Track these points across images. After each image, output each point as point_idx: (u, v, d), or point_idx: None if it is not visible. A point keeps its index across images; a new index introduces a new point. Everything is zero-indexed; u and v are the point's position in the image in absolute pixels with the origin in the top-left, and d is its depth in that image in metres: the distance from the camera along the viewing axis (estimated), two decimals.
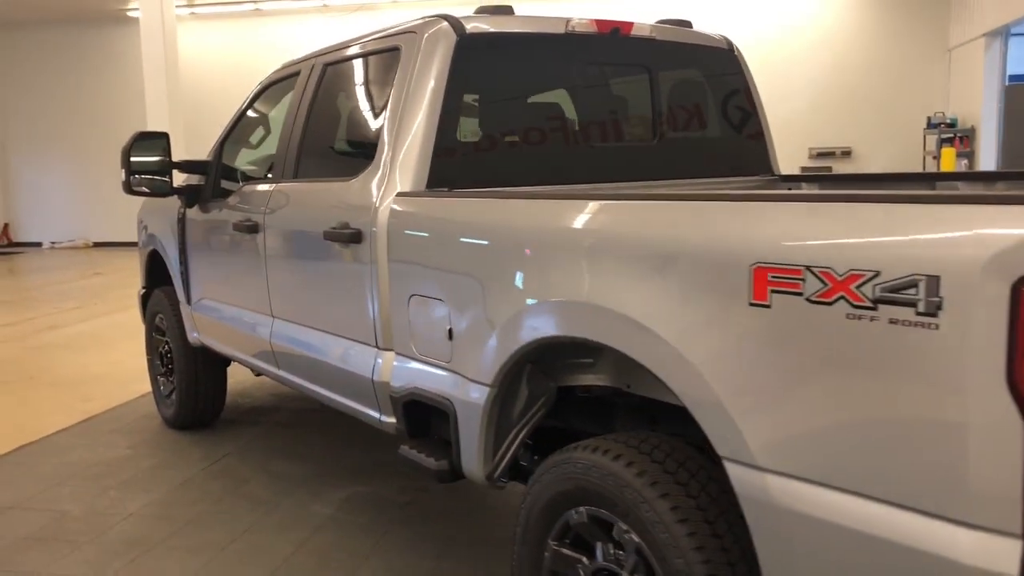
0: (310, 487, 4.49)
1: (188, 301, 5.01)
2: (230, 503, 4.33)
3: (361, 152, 3.49)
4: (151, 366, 5.80)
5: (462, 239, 2.72)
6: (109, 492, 4.52)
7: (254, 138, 4.77)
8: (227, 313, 4.50)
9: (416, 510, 4.19)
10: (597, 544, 2.31)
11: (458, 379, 2.76)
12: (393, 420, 3.19)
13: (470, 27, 3.21)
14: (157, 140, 4.62)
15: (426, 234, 2.91)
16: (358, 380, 3.31)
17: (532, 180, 3.29)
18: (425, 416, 3.07)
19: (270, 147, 4.82)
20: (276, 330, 3.96)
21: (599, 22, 3.45)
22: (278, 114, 4.57)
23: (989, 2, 12.36)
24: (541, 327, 2.38)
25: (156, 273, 5.62)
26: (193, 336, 5.03)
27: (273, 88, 4.47)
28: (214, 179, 4.68)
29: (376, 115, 3.50)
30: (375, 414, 3.28)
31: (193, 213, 4.80)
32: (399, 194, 3.08)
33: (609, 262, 2.16)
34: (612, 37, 3.51)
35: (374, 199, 3.16)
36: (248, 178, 4.54)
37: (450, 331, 2.78)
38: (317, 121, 3.89)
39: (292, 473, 4.71)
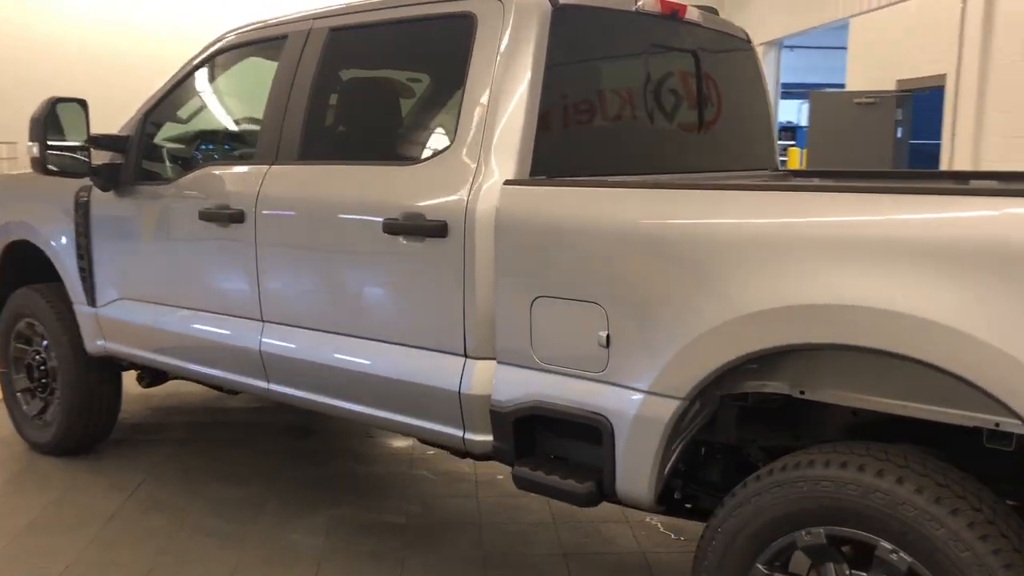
0: (272, 513, 3.92)
1: (92, 302, 4.19)
2: (186, 541, 3.67)
3: (423, 133, 3.05)
4: (5, 381, 4.83)
5: (638, 238, 2.41)
6: (23, 540, 3.68)
7: (201, 113, 4.06)
8: (169, 317, 3.80)
9: (420, 530, 3.78)
10: (828, 565, 2.16)
11: (620, 392, 2.46)
12: (488, 438, 2.81)
13: None
14: (74, 108, 3.81)
15: (567, 229, 2.55)
16: (432, 394, 2.88)
17: (619, 168, 3.03)
18: (533, 433, 2.74)
19: (224, 124, 4.18)
20: (269, 337, 3.38)
21: (662, 2, 3.25)
22: (240, 85, 3.94)
23: (764, 17, 13.39)
24: (778, 333, 2.16)
25: (16, 269, 4.68)
26: (97, 344, 4.23)
27: (229, 55, 3.83)
28: (136, 158, 3.94)
29: (444, 91, 3.08)
30: (455, 432, 2.88)
31: (105, 198, 4.02)
32: (508, 182, 2.71)
33: (905, 262, 1.98)
34: (671, 19, 3.32)
35: (465, 187, 2.76)
36: (206, 159, 3.86)
37: (607, 338, 2.47)
38: (332, 95, 3.36)
39: (236, 497, 4.10)
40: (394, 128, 3.37)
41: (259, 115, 3.58)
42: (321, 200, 3.17)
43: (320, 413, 3.50)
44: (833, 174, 4.40)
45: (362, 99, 3.42)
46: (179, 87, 3.94)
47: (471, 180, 2.76)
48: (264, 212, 3.33)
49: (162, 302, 3.85)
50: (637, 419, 2.42)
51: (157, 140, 4.04)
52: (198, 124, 4.11)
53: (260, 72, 3.94)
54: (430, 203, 2.84)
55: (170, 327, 3.80)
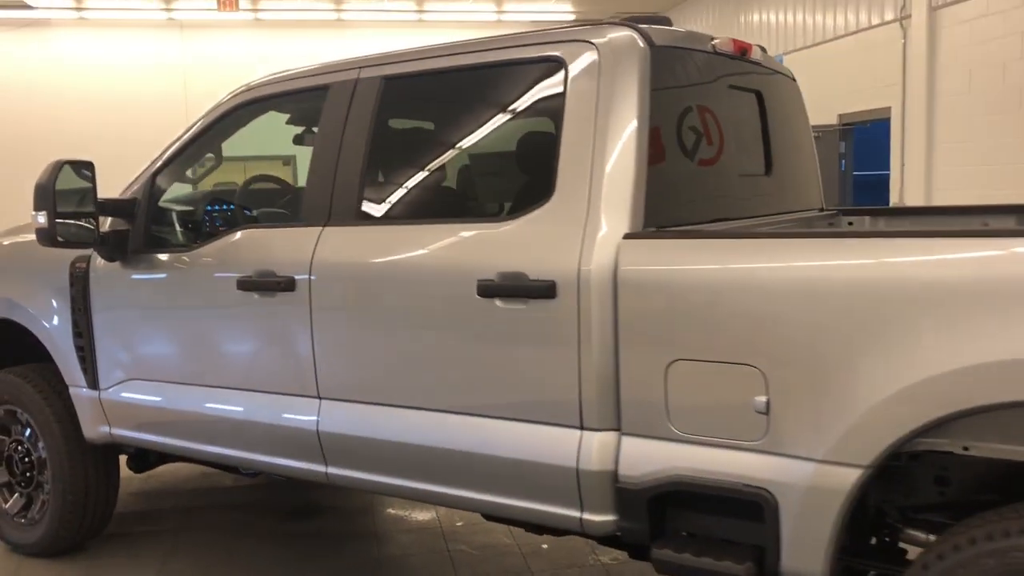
0: None
1: (93, 385, 3.77)
2: None
3: (510, 186, 2.81)
4: None
5: (810, 292, 2.20)
6: None
7: (220, 173, 3.72)
8: (195, 397, 3.43)
9: None
10: None
11: (785, 462, 2.25)
12: (609, 518, 2.55)
13: (657, 37, 2.70)
14: (82, 171, 3.43)
15: (712, 286, 2.34)
16: (543, 472, 2.62)
17: (713, 215, 2.86)
18: (664, 510, 2.50)
19: (250, 184, 3.85)
20: (329, 415, 3.06)
21: (735, 41, 3.11)
22: (265, 141, 3.63)
23: None
24: (993, 388, 1.98)
25: None
26: (99, 431, 3.79)
27: (250, 109, 3.51)
28: (145, 224, 3.58)
29: (531, 140, 2.84)
30: (570, 513, 2.61)
31: (109, 269, 3.63)
32: (630, 236, 2.49)
33: None
34: (741, 58, 3.18)
35: (574, 243, 2.53)
36: (234, 222, 3.52)
37: (766, 403, 2.26)
38: (394, 149, 3.09)
39: None
40: (475, 183, 3.12)
41: (290, 174, 3.27)
42: (396, 264, 2.88)
43: (333, 489, 3.16)
44: (896, 212, 4.25)
45: (433, 152, 3.15)
46: (192, 145, 3.60)
47: (581, 235, 2.53)
48: (321, 279, 3.02)
49: (186, 381, 3.47)
50: (810, 491, 2.21)
51: (169, 203, 3.69)
52: (218, 185, 3.76)
53: (287, 127, 3.66)
54: (533, 262, 2.60)
55: (197, 408, 3.42)
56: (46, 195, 3.27)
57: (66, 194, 3.38)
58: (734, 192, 3.15)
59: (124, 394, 3.69)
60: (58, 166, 3.31)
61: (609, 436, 2.53)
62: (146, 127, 14.49)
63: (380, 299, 2.91)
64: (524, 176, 2.88)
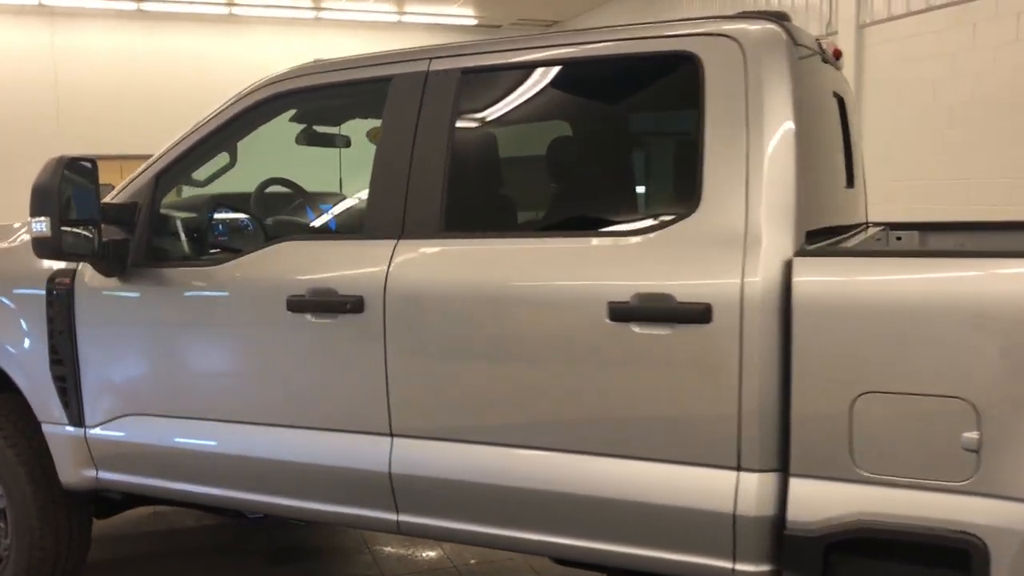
0: None
1: (77, 421, 3.21)
2: None
3: (639, 196, 2.50)
4: None
5: None
6: None
7: (244, 175, 3.23)
8: (222, 436, 2.94)
9: None
10: None
11: (1001, 505, 2.03)
12: (767, 568, 2.28)
13: (793, 32, 2.46)
14: (82, 169, 2.89)
15: (914, 311, 2.08)
16: (687, 518, 2.32)
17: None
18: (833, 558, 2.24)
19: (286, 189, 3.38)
20: (405, 456, 2.66)
21: (832, 45, 2.92)
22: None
23: None
24: None
25: None
26: (83, 475, 3.23)
27: (283, 102, 3.07)
28: (148, 233, 3.07)
29: (660, 145, 2.54)
30: (721, 564, 2.32)
31: (101, 285, 3.10)
32: (806, 254, 2.23)
33: None
34: (835, 62, 2.99)
35: (731, 260, 2.25)
36: (268, 233, 3.05)
37: (978, 440, 2.04)
38: (483, 152, 2.72)
39: None
40: (596, 192, 2.77)
41: (335, 177, 2.86)
42: (502, 283, 2.51)
43: (319, 526, 2.78)
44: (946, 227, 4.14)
45: (532, 157, 2.80)
46: (206, 143, 3.11)
47: (741, 250, 2.25)
48: (400, 299, 2.62)
49: (209, 417, 2.98)
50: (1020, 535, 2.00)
51: (178, 209, 3.18)
52: (241, 188, 3.27)
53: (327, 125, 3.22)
54: (681, 281, 2.30)
55: (225, 449, 2.94)
56: (49, 198, 2.73)
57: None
58: (836, 203, 2.95)
59: (119, 432, 3.15)
60: (62, 164, 2.77)
61: (771, 478, 2.26)
62: (12, 117, 13.39)
63: (481, 324, 2.54)
64: (654, 184, 2.58)
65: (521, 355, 2.50)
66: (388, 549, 4.23)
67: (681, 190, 2.39)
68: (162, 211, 3.17)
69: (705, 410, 2.29)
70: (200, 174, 3.28)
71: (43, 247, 2.78)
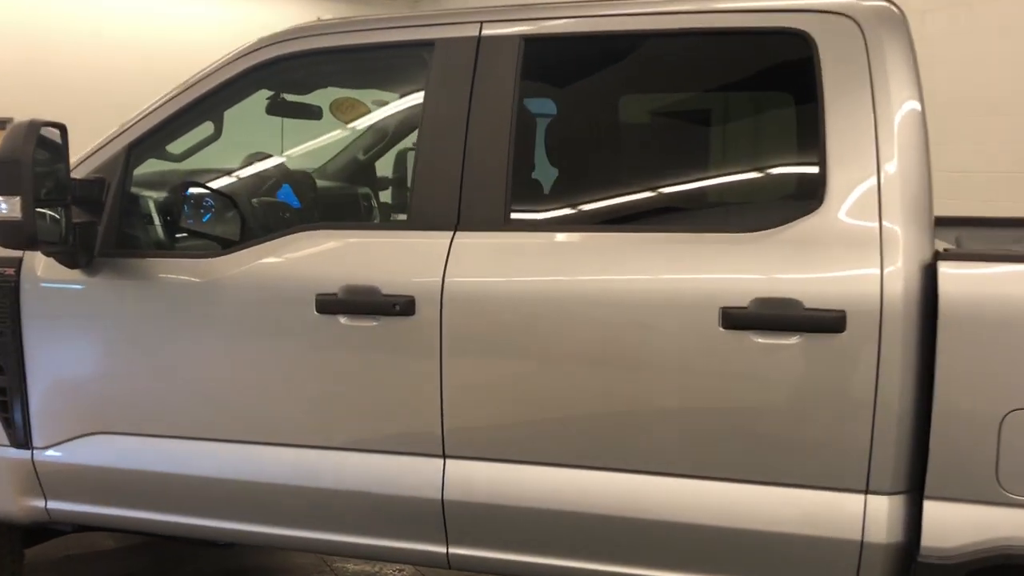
0: None
1: (22, 442, 2.66)
2: None
3: (746, 188, 2.24)
4: None
5: None
6: None
7: (239, 149, 2.73)
8: (220, 458, 2.50)
9: None
10: None
11: None
12: None
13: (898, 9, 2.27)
14: (54, 140, 2.36)
15: None
16: (807, 546, 2.10)
17: None
18: None
19: (296, 167, 2.92)
20: (464, 481, 2.31)
21: None
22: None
23: None
24: None
25: None
26: (27, 506, 2.69)
27: (281, 67, 2.61)
28: (119, 214, 2.57)
29: (766, 132, 2.29)
30: None
31: (58, 278, 2.57)
32: (954, 256, 2.04)
33: None
34: None
35: (866, 262, 2.04)
36: (278, 220, 2.60)
37: None
38: (556, 134, 2.39)
39: None
40: (695, 182, 2.46)
41: (358, 154, 2.48)
42: (584, 286, 2.20)
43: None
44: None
45: (613, 140, 2.48)
46: (193, 110, 2.62)
47: (876, 253, 2.04)
48: (459, 301, 2.26)
49: (203, 436, 2.52)
50: None
51: (158, 189, 2.68)
52: (234, 165, 2.79)
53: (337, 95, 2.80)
54: (808, 287, 2.06)
55: (228, 474, 2.49)
56: (20, 172, 2.20)
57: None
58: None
59: (78, 455, 2.63)
60: (35, 129, 2.24)
61: (902, 500, 2.08)
62: None
63: (559, 331, 2.21)
64: (768, 175, 2.33)
65: (610, 367, 2.20)
66: (351, 566, 3.83)
67: (802, 183, 2.16)
68: (134, 190, 2.66)
69: (834, 428, 2.07)
70: (177, 147, 2.78)
71: (11, 234, 2.24)
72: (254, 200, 2.89)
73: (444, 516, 2.33)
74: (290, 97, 3.26)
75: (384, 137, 3.57)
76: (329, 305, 2.33)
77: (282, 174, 3.17)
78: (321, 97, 3.37)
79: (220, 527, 2.54)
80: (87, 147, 2.60)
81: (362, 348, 2.34)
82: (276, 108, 3.20)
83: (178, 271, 2.51)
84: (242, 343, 2.45)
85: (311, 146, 3.66)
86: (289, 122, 3.53)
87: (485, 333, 2.26)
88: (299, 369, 2.40)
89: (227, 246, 2.51)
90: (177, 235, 2.70)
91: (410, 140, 3.80)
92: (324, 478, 2.41)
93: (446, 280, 2.27)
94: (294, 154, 3.49)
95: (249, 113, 2.89)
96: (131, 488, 2.60)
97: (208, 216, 2.62)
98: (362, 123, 3.54)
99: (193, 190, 2.61)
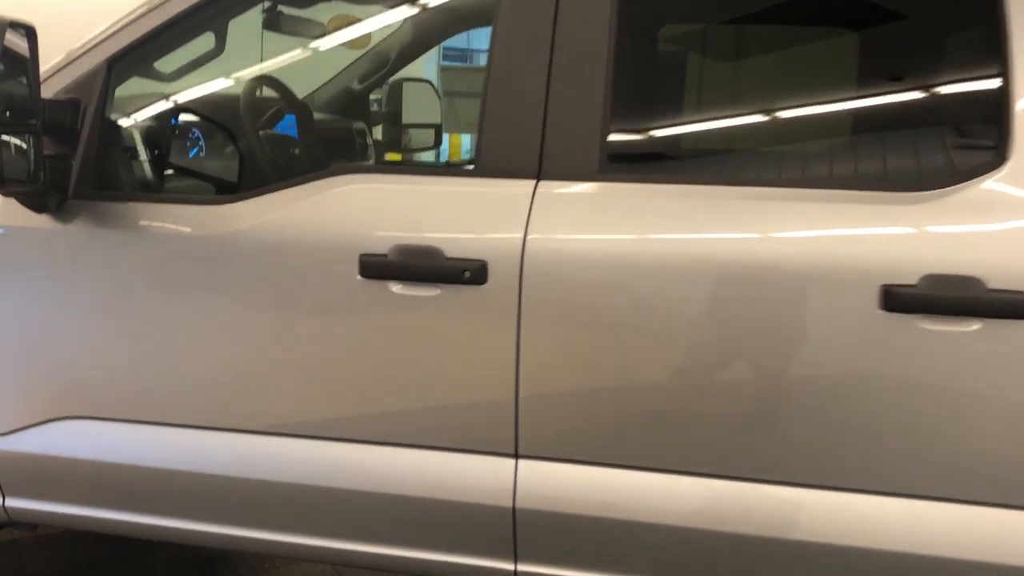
0: None
1: None
2: None
3: (891, 137, 1.83)
4: None
5: None
6: None
7: (250, 70, 2.21)
8: (220, 449, 2.03)
9: None
10: None
11: None
12: None
13: None
14: (16, 44, 1.81)
15: None
16: None
17: None
18: None
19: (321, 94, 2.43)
20: (540, 485, 1.90)
21: None
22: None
23: None
24: None
25: None
26: None
27: None
28: (98, 148, 2.05)
29: (941, 70, 1.86)
30: None
31: (27, 223, 2.05)
32: None
33: None
34: None
35: None
36: (306, 161, 2.10)
37: None
38: (660, 65, 1.94)
39: None
40: (842, 127, 2.02)
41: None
42: (704, 252, 1.77)
43: None
44: None
45: (734, 74, 2.02)
46: (192, 19, 2.08)
47: None
48: (545, 267, 1.82)
49: (213, 425, 2.04)
50: None
51: (149, 119, 2.16)
52: (245, 90, 2.26)
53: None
54: (997, 262, 1.67)
55: (243, 471, 2.03)
56: None
57: None
58: None
59: (46, 443, 2.13)
60: (2, 29, 1.70)
61: None
62: None
63: (672, 307, 1.79)
64: (936, 121, 1.91)
65: (734, 353, 1.79)
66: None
67: (981, 134, 1.76)
68: (117, 116, 2.14)
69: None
70: (168, 63, 2.25)
71: None
72: (261, 134, 2.38)
73: (514, 526, 1.92)
74: (288, 10, 2.75)
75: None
76: (377, 268, 1.87)
77: (297, 105, 2.66)
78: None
79: (230, 534, 2.08)
80: None
81: (420, 322, 1.88)
82: (273, 23, 2.69)
83: (176, 220, 2.01)
84: (260, 312, 1.97)
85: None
86: (268, 44, 3.03)
87: (576, 306, 1.83)
88: (335, 347, 1.93)
89: (232, 190, 2.01)
90: (170, 174, 2.18)
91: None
92: (362, 478, 1.97)
93: (528, 240, 1.82)
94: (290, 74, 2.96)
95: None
96: (115, 486, 2.12)
97: (195, 151, 2.12)
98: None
99: (184, 117, 2.10)
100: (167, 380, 2.04)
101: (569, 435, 1.88)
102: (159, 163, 2.18)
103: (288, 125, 2.61)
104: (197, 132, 2.11)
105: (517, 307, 1.82)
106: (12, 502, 2.19)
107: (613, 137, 1.86)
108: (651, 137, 2.03)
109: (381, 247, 1.87)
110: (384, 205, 1.91)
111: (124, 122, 2.16)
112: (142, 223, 2.00)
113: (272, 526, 2.04)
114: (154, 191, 2.18)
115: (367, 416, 1.96)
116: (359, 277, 1.87)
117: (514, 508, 1.90)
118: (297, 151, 2.48)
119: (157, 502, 2.10)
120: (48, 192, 1.97)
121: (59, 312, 2.07)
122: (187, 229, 2.00)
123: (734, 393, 1.79)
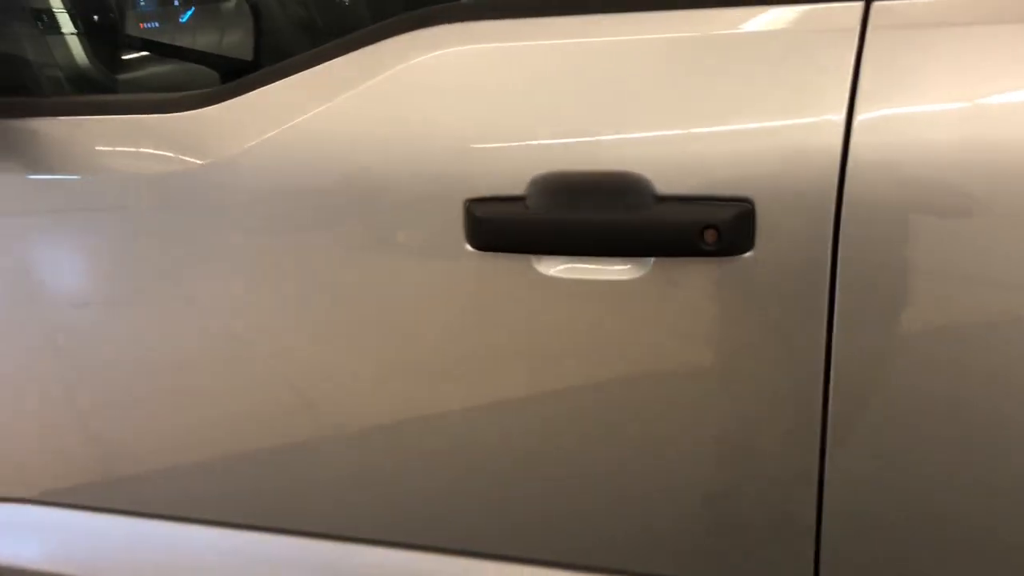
0: None
1: None
2: None
3: None
4: None
5: None
6: None
7: None
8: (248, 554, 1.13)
9: None
10: None
11: None
12: None
13: None
14: None
15: None
16: None
17: None
18: None
19: None
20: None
21: None
22: None
23: None
24: None
25: None
26: None
27: None
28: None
29: None
30: None
31: None
32: None
33: None
34: None
35: None
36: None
37: None
38: None
39: None
40: None
41: None
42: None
43: None
44: None
45: None
46: None
47: None
48: (900, 201, 0.77)
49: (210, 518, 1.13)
50: None
51: None
52: None
53: None
54: None
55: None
56: None
57: None
58: None
59: None
60: None
61: None
62: None
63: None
64: None
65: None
66: None
67: None
68: None
69: None
70: None
71: None
72: None
73: (817, 557, 0.96)
74: None
75: None
76: (504, 228, 0.87)
77: None
78: None
79: None
80: None
81: (594, 339, 0.88)
82: None
83: (133, 141, 1.05)
84: (279, 283, 1.00)
85: None
86: None
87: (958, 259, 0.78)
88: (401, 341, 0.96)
89: (229, 75, 1.05)
90: (124, 63, 1.23)
91: None
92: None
93: (853, 137, 0.77)
94: None
95: None
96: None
97: (188, 16, 1.15)
98: None
99: None
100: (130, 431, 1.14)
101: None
102: (106, 42, 1.21)
103: None
104: None
105: (829, 279, 0.80)
106: None
107: None
108: None
109: (512, 183, 0.86)
110: (508, 85, 0.88)
111: None
112: (76, 147, 1.06)
113: None
114: (93, 90, 1.23)
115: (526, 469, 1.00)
116: (467, 247, 0.88)
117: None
118: None
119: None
120: None
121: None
122: (147, 150, 1.04)
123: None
